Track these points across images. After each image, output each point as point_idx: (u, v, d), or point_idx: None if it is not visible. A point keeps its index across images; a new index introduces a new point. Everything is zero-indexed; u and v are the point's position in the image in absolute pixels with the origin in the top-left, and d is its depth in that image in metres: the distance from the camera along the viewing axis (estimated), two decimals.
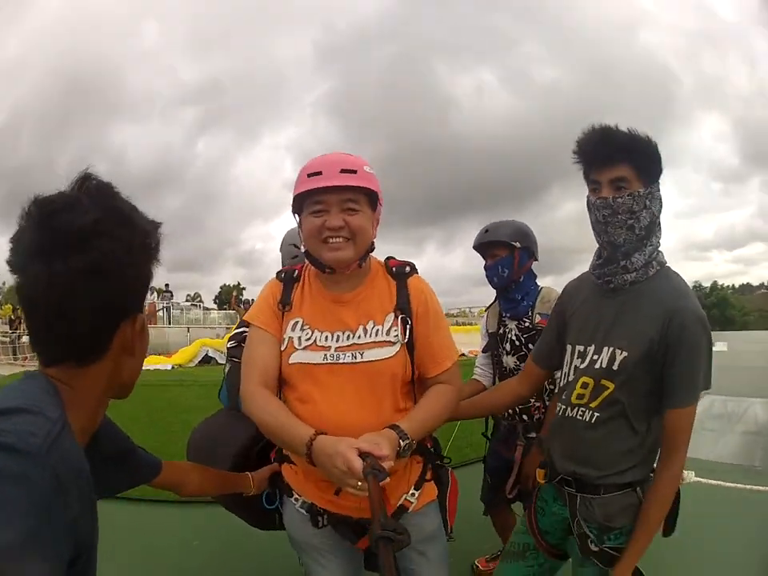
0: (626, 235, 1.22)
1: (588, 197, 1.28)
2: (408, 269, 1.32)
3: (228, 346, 1.83)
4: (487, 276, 2.12)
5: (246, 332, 1.65)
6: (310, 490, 1.26)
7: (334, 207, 1.19)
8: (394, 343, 1.24)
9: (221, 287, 62.69)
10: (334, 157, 1.22)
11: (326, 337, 1.24)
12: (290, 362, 1.24)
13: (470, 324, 21.55)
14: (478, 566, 2.43)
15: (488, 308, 2.31)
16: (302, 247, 1.30)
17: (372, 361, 1.22)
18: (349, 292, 1.27)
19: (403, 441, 1.11)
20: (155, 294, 21.53)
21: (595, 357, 1.27)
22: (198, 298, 47.67)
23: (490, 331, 2.19)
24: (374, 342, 1.23)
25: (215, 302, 51.58)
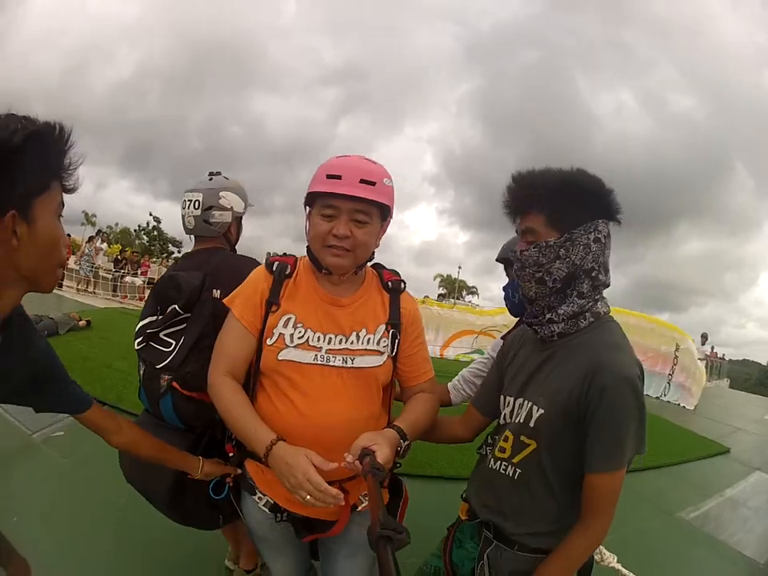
0: (536, 289, 1.18)
1: None
2: (402, 285, 1.36)
3: (136, 347, 1.66)
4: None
5: (152, 325, 1.62)
6: (278, 490, 1.25)
7: (344, 215, 1.20)
8: (382, 353, 1.29)
9: None
10: (356, 162, 1.22)
11: (319, 337, 1.26)
12: (278, 358, 1.25)
13: None
14: None
15: (506, 334, 1.72)
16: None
17: (362, 367, 1.26)
18: (345, 297, 1.30)
19: (404, 441, 1.16)
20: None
21: (518, 410, 1.23)
22: None
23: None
24: (365, 350, 1.27)
25: None
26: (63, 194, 0.96)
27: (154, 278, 15.52)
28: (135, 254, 18.14)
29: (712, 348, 18.40)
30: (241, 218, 2.03)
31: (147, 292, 14.72)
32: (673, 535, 3.57)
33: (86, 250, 14.37)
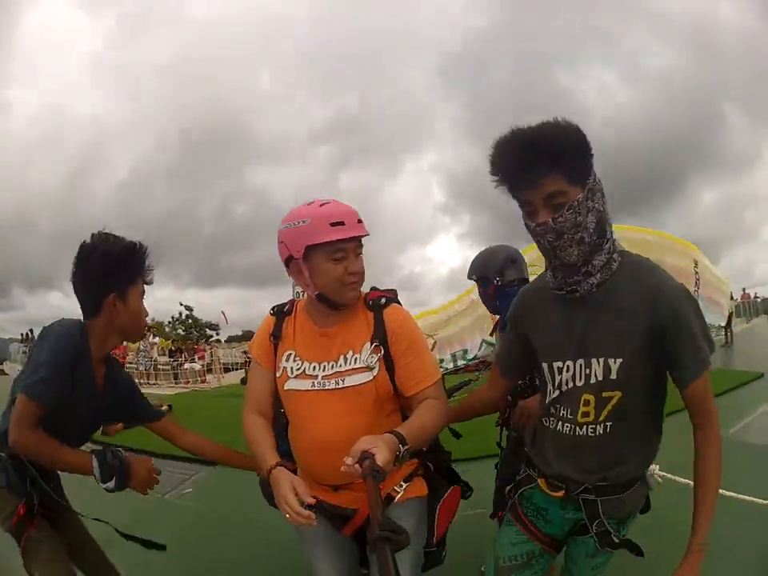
0: (578, 251, 1.13)
1: (524, 220, 1.18)
2: (384, 300, 1.42)
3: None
4: None
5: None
6: (308, 486, 1.24)
7: (352, 253, 1.34)
8: (372, 368, 1.35)
9: None
10: (344, 207, 1.34)
11: (314, 367, 1.39)
12: (285, 389, 1.41)
13: None
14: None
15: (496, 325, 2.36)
16: (307, 291, 1.40)
17: (353, 386, 1.35)
18: (332, 326, 1.41)
19: (403, 446, 1.16)
20: None
21: (587, 371, 1.21)
22: None
23: None
24: (353, 369, 1.36)
25: None
26: (144, 285, 1.56)
27: (210, 361, 16.56)
28: (189, 342, 19.50)
29: (744, 290, 18.75)
30: None
31: (207, 375, 15.95)
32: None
33: (141, 347, 15.48)
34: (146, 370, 14.84)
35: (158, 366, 15.41)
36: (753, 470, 3.24)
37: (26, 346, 16.88)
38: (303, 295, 1.52)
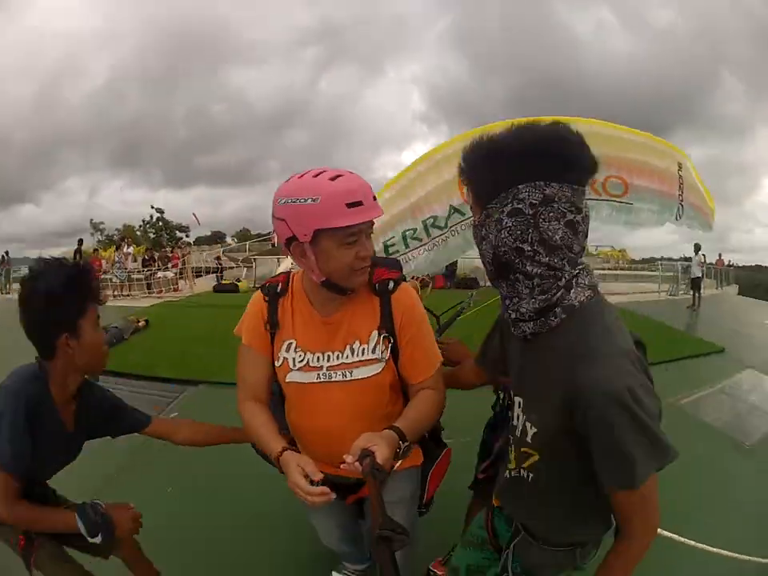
0: (489, 274, 1.04)
1: None
2: (392, 285, 1.32)
3: None
4: None
5: None
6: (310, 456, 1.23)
7: (363, 235, 1.20)
8: (380, 360, 1.30)
9: None
10: (358, 181, 1.17)
11: (318, 357, 1.31)
12: (287, 381, 1.34)
13: None
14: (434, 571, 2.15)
15: None
16: (310, 276, 1.26)
17: (361, 378, 1.30)
18: (335, 312, 1.31)
19: (403, 442, 1.15)
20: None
21: (517, 420, 1.11)
22: None
23: None
24: (361, 362, 1.30)
25: None
26: (98, 305, 1.38)
27: (183, 268, 16.49)
28: (163, 250, 19.34)
29: (720, 255, 19.14)
30: None
31: (180, 282, 15.81)
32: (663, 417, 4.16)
33: (116, 258, 15.44)
34: (120, 282, 14.62)
35: (132, 277, 15.21)
36: (698, 450, 3.38)
37: (1, 269, 16.37)
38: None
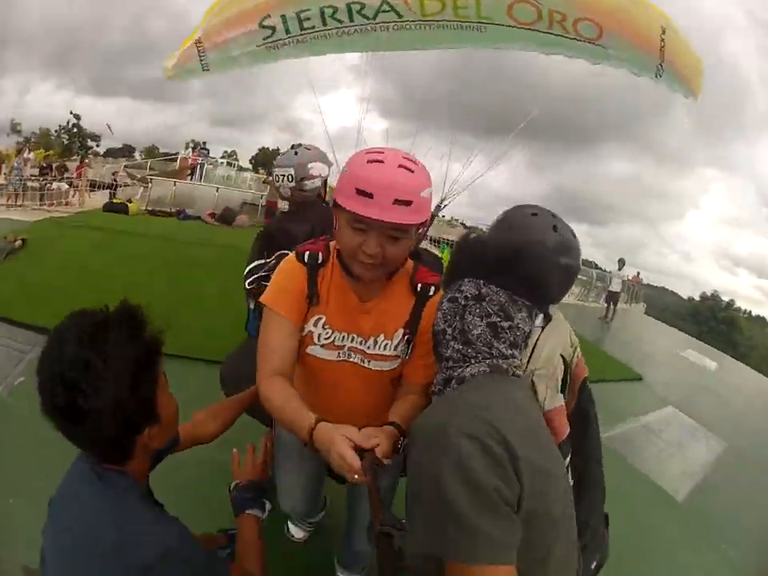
0: None
1: None
2: (432, 290, 1.30)
3: (246, 287, 2.03)
4: None
5: (263, 268, 1.99)
6: None
7: (375, 232, 1.14)
8: (399, 358, 1.34)
9: (259, 149, 59.23)
10: (390, 174, 1.09)
11: (343, 337, 1.32)
12: (307, 351, 1.34)
13: None
14: None
15: None
16: (334, 244, 1.31)
17: (375, 370, 1.35)
18: (370, 300, 1.31)
19: (403, 438, 1.15)
20: (190, 149, 21.14)
21: None
22: (234, 156, 44.26)
23: None
24: (381, 356, 1.33)
25: (251, 163, 48.77)
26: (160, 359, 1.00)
27: (93, 180, 15.19)
28: (65, 159, 17.08)
29: (638, 273, 19.78)
30: (326, 179, 2.36)
31: (78, 195, 14.07)
32: None
33: (16, 164, 13.65)
34: (15, 190, 12.77)
35: (28, 186, 13.43)
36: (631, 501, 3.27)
37: None
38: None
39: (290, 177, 2.26)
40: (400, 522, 0.82)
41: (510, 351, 0.99)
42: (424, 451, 0.84)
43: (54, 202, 13.27)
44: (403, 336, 1.31)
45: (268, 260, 1.98)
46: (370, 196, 1.08)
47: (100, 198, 14.90)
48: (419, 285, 1.30)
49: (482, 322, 0.98)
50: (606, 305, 13.06)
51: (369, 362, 1.34)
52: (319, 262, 1.30)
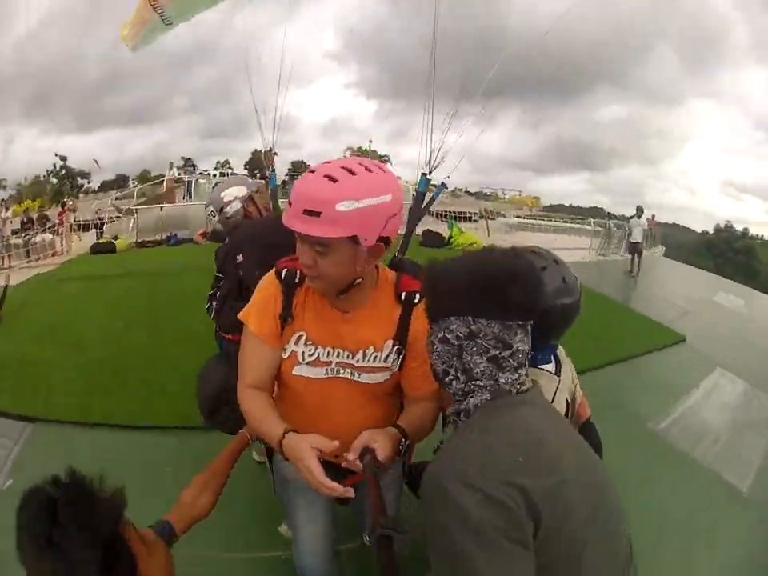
0: None
1: None
2: (417, 297, 1.27)
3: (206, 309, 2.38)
4: None
5: (219, 288, 2.30)
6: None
7: (304, 244, 1.12)
8: (390, 369, 1.30)
9: (252, 153, 56.94)
10: (305, 183, 1.08)
11: (328, 352, 1.28)
12: (293, 373, 1.30)
13: None
14: None
15: None
16: None
17: (366, 383, 1.30)
18: (351, 311, 1.27)
19: (405, 440, 1.19)
20: (175, 169, 20.80)
21: None
22: (227, 165, 44.99)
23: None
24: (371, 367, 1.29)
25: (246, 168, 48.10)
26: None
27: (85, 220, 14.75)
28: (42, 209, 16.72)
29: (653, 216, 18.04)
30: (251, 196, 2.47)
31: (62, 242, 13.63)
32: (646, 454, 3.44)
33: None
34: None
35: (11, 245, 13.14)
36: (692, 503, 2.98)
37: None
38: None
39: (212, 213, 2.47)
40: (400, 525, 0.84)
41: (515, 375, 0.99)
42: (431, 502, 0.87)
43: (40, 255, 13.00)
44: (393, 346, 1.29)
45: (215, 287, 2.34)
46: (290, 204, 1.09)
47: (88, 240, 14.63)
48: (404, 293, 1.28)
49: (482, 359, 0.98)
50: (629, 256, 12.10)
51: (360, 374, 1.30)
52: (296, 280, 1.26)
